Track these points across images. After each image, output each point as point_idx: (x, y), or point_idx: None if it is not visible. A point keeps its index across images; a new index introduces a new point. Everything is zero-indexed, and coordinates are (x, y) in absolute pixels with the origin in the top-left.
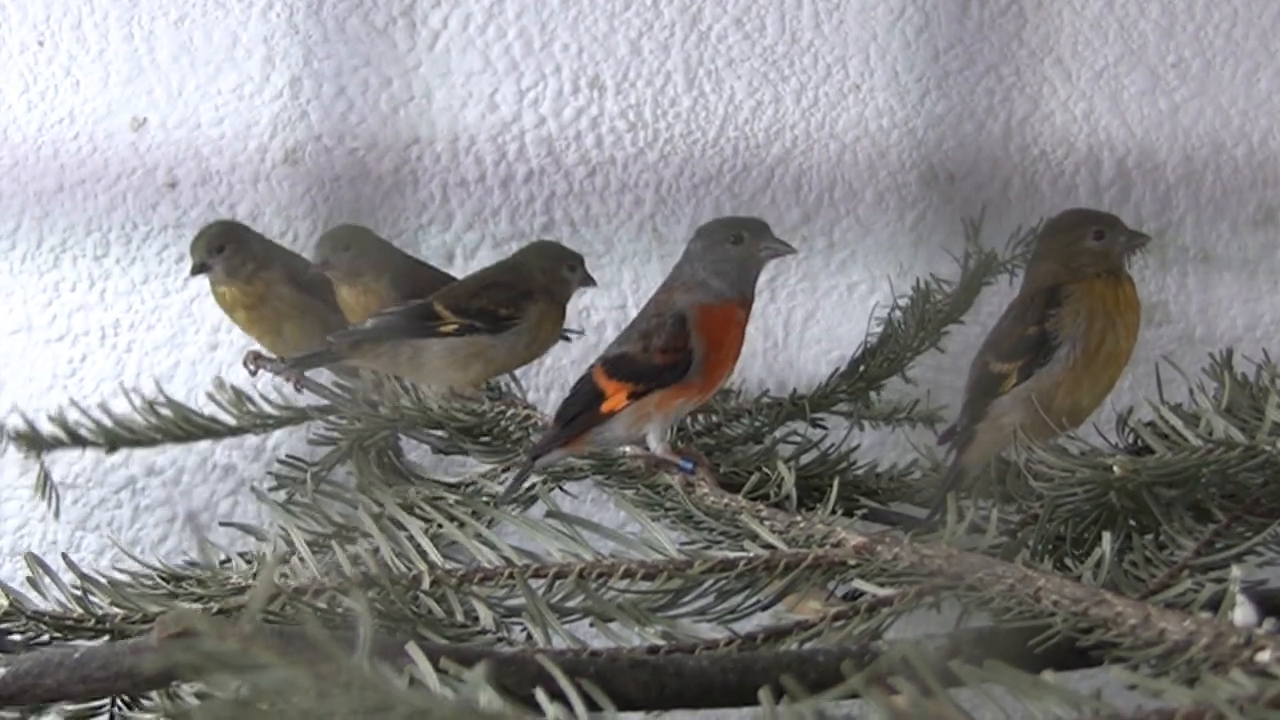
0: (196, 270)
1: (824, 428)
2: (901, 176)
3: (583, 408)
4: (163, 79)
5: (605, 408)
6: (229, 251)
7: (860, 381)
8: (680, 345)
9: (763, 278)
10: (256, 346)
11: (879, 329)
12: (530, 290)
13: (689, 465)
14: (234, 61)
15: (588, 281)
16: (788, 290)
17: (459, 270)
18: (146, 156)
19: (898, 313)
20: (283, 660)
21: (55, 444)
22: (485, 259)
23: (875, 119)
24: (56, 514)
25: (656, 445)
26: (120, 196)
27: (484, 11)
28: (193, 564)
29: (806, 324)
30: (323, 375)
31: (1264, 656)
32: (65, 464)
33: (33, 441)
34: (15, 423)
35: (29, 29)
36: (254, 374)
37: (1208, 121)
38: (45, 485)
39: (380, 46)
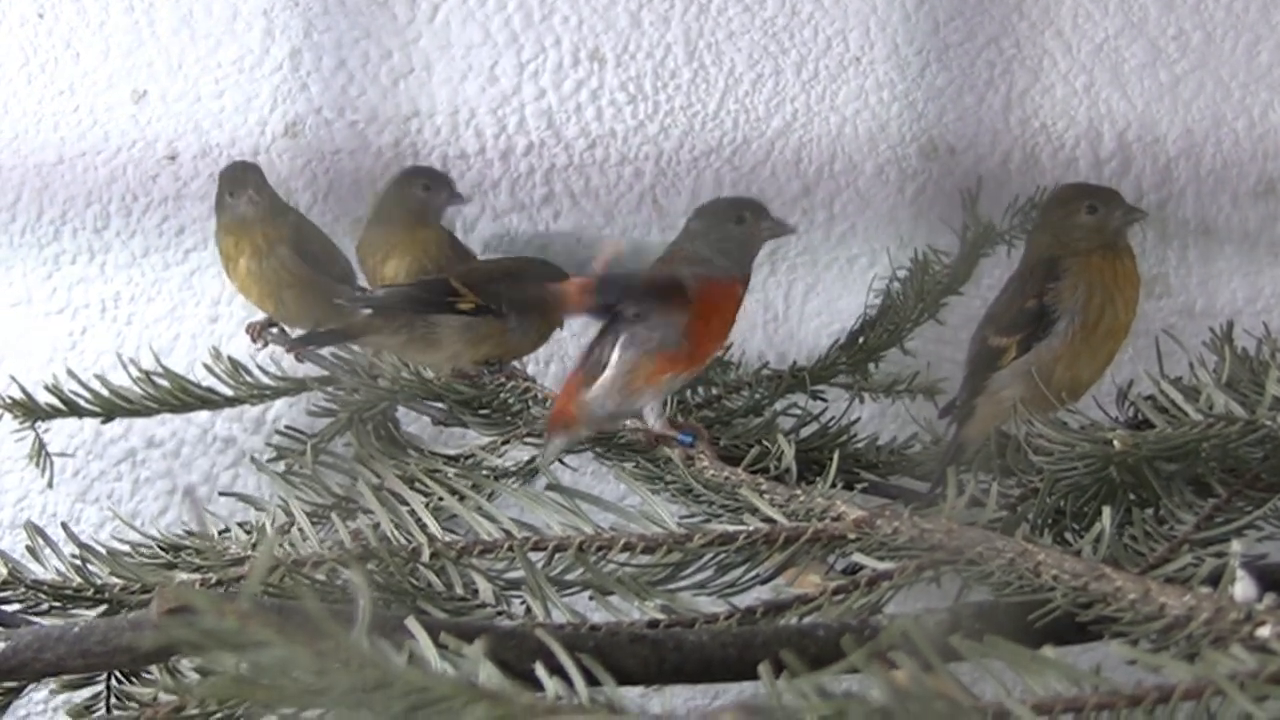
0: (254, 197)
1: (824, 400)
2: (901, 149)
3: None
4: (163, 51)
5: None
6: (268, 190)
7: (860, 353)
8: None
9: (762, 251)
10: (258, 317)
11: (878, 300)
12: (537, 281)
13: (688, 439)
14: (234, 34)
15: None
16: (788, 263)
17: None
18: (147, 129)
19: (896, 284)
20: (281, 637)
21: (52, 413)
22: (485, 231)
23: (875, 91)
24: (51, 483)
25: (654, 420)
26: (120, 169)
27: None
28: (191, 533)
29: (807, 297)
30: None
31: (1264, 632)
32: (65, 435)
33: (29, 410)
34: (11, 391)
35: (29, 1)
36: (258, 345)
37: (1208, 94)
38: (40, 454)
39: (380, 19)
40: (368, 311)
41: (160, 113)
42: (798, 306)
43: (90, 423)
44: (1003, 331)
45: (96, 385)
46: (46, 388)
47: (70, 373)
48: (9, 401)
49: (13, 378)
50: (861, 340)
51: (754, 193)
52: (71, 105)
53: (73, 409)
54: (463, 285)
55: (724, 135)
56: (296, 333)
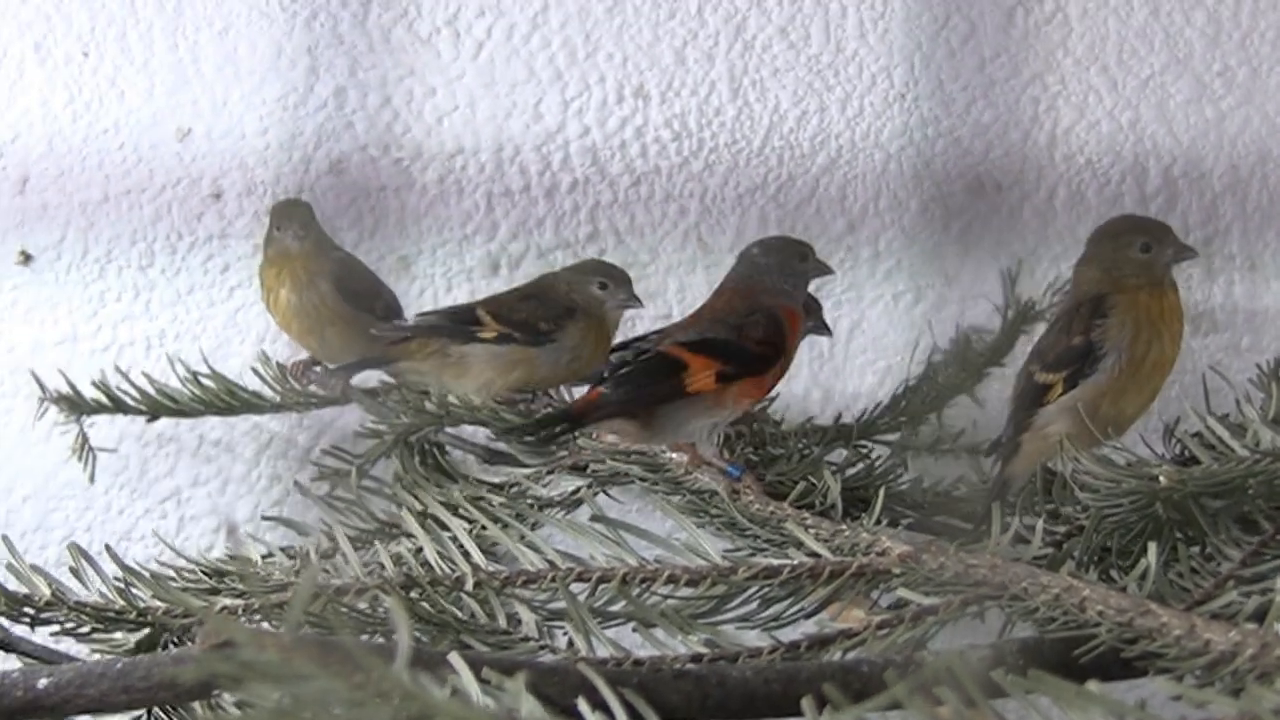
0: (300, 233)
1: (868, 444)
2: (947, 186)
3: (663, 376)
4: (207, 89)
5: (692, 384)
6: (310, 221)
7: (901, 416)
8: (776, 340)
9: (809, 287)
10: (302, 356)
11: (919, 368)
12: (573, 308)
13: (737, 471)
14: (278, 71)
15: (629, 303)
16: (833, 300)
17: (504, 282)
18: (191, 167)
19: (938, 356)
20: (323, 670)
21: (97, 408)
22: (530, 269)
23: (920, 128)
24: (92, 478)
25: (707, 449)
26: (165, 207)
27: (528, 21)
28: (234, 557)
29: (852, 334)
30: (370, 381)
31: None
32: (110, 473)
33: (74, 405)
34: (58, 385)
35: (74, 40)
36: (302, 385)
37: (1254, 129)
38: (83, 449)
39: (424, 56)
40: (401, 339)
41: (205, 150)
42: (843, 344)
43: (136, 459)
44: (1049, 368)
45: (143, 383)
46: (93, 383)
47: (118, 369)
48: (56, 395)
49: (60, 371)
50: (904, 404)
51: (799, 230)
52: (116, 143)
53: (119, 406)
54: (487, 314)
55: (769, 172)
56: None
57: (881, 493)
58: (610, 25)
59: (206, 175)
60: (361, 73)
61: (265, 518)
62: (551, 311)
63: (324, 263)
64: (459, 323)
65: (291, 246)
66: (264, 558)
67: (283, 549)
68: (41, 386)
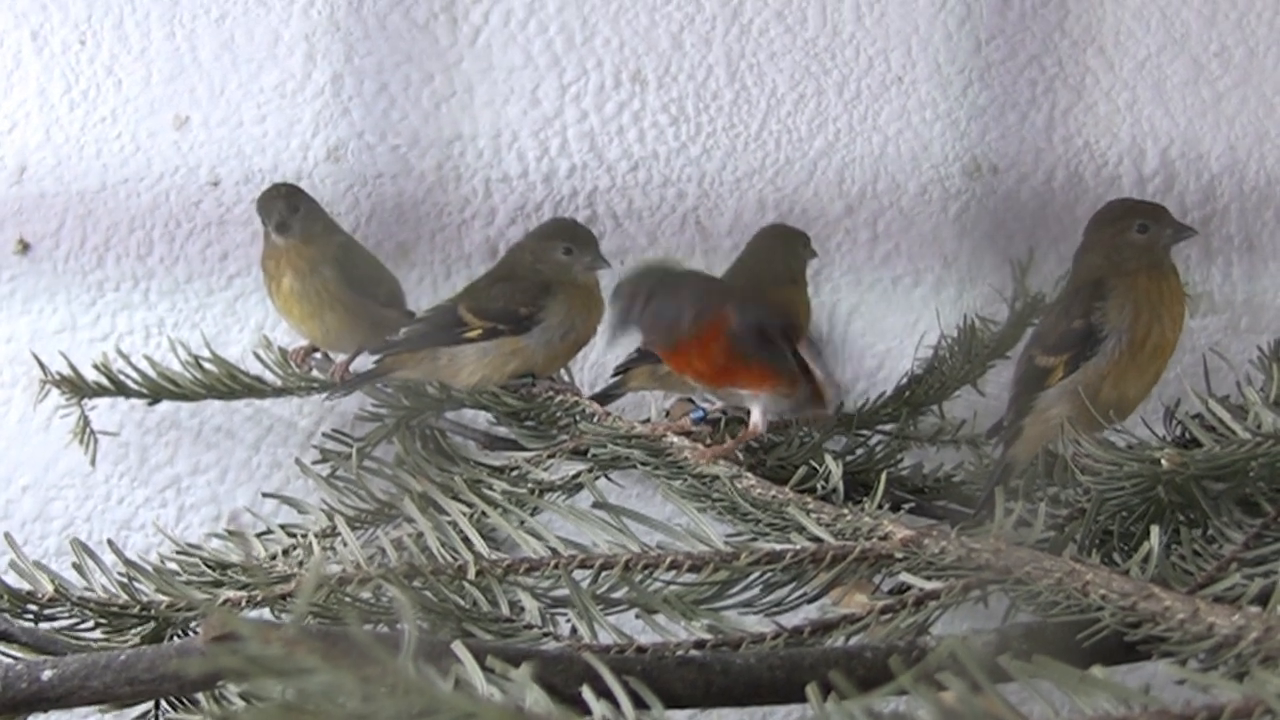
0: (280, 229)
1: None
2: (945, 168)
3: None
4: (205, 77)
5: None
6: (304, 212)
7: (904, 406)
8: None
9: (807, 271)
10: (302, 343)
11: (928, 354)
12: (547, 283)
13: (700, 415)
14: (276, 59)
15: (596, 264)
16: (831, 284)
17: None
18: (189, 155)
19: (944, 346)
20: (327, 663)
21: (99, 391)
22: None
23: (918, 111)
24: (93, 462)
25: (760, 419)
26: (163, 195)
27: (525, 6)
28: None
29: (851, 317)
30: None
31: None
32: (110, 461)
33: (76, 387)
34: (59, 367)
35: (71, 28)
36: (301, 371)
37: (1251, 110)
38: (84, 432)
39: (422, 43)
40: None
41: (203, 138)
42: (841, 327)
43: (136, 448)
44: (1050, 351)
45: (145, 366)
46: (95, 366)
47: (120, 352)
48: (57, 378)
49: (62, 353)
50: (907, 394)
51: (797, 214)
52: (114, 132)
53: (120, 389)
54: (470, 313)
55: (766, 156)
56: (339, 358)
57: (883, 477)
58: (607, 10)
59: (204, 163)
60: (358, 59)
61: (265, 494)
62: (527, 293)
63: (327, 248)
64: (443, 327)
65: (275, 240)
66: (262, 535)
67: (282, 526)
68: (43, 369)
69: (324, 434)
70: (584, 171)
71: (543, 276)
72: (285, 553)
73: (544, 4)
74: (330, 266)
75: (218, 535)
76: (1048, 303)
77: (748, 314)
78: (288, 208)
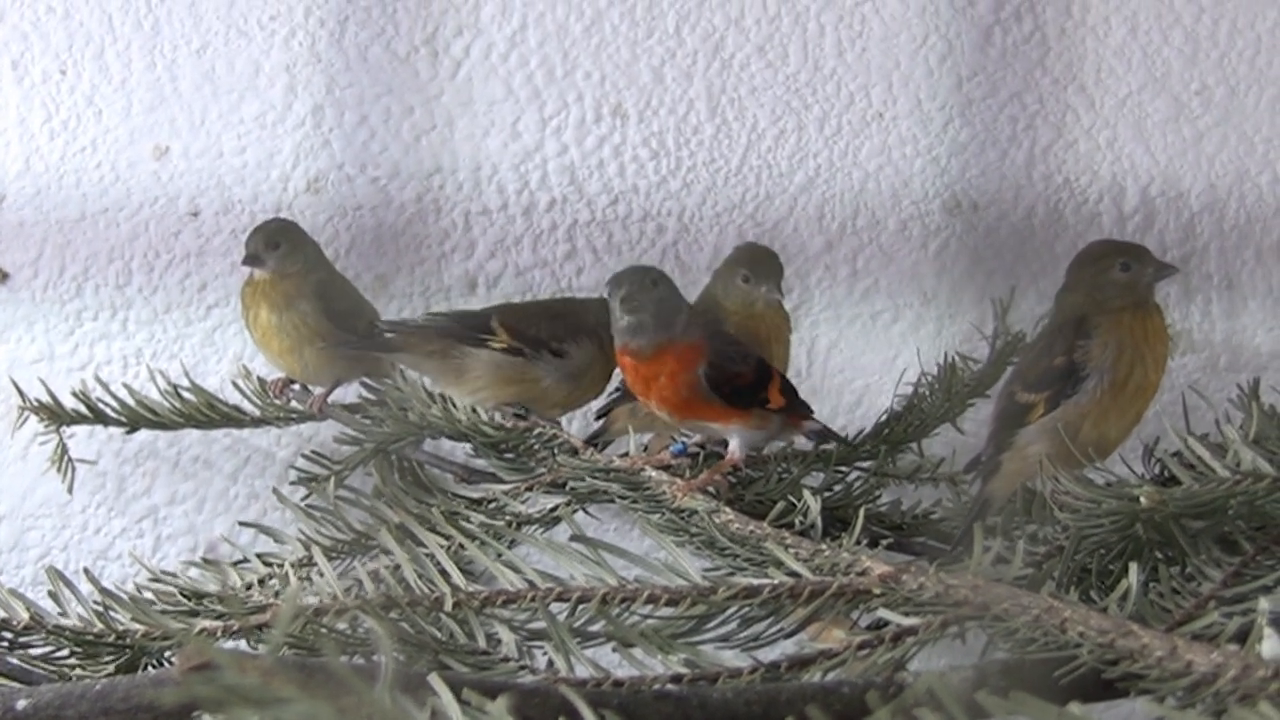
0: (248, 261)
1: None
2: (925, 205)
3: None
4: (185, 108)
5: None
6: (284, 250)
7: (883, 443)
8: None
9: (786, 306)
10: (279, 375)
11: (907, 391)
12: (585, 332)
13: (680, 448)
14: (256, 90)
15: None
16: (811, 319)
17: (481, 300)
18: (169, 185)
19: (924, 384)
20: (304, 693)
21: (77, 418)
22: (508, 287)
23: (898, 147)
24: (71, 489)
25: (739, 451)
26: (142, 225)
27: (506, 40)
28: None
29: (830, 353)
30: (348, 397)
31: None
32: (87, 491)
33: (55, 414)
34: (38, 394)
35: (51, 58)
36: (280, 403)
37: (1231, 148)
38: (62, 459)
39: (402, 75)
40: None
41: (182, 169)
42: (820, 362)
43: (113, 478)
44: (1031, 388)
45: (123, 394)
46: (74, 394)
47: (98, 379)
48: (36, 404)
49: (40, 380)
50: (887, 431)
51: (777, 249)
52: (94, 161)
53: (98, 416)
54: (501, 326)
55: (746, 191)
56: (317, 390)
57: (861, 513)
58: (588, 44)
59: (184, 193)
60: (339, 91)
61: (242, 523)
62: (564, 330)
63: (304, 284)
64: (471, 329)
65: (257, 272)
66: (238, 564)
67: (259, 555)
68: (21, 395)
69: (303, 455)
70: (564, 205)
71: (593, 333)
72: (261, 582)
73: (525, 37)
74: (308, 301)
75: (194, 564)
76: (1028, 341)
77: (711, 354)
78: (266, 242)
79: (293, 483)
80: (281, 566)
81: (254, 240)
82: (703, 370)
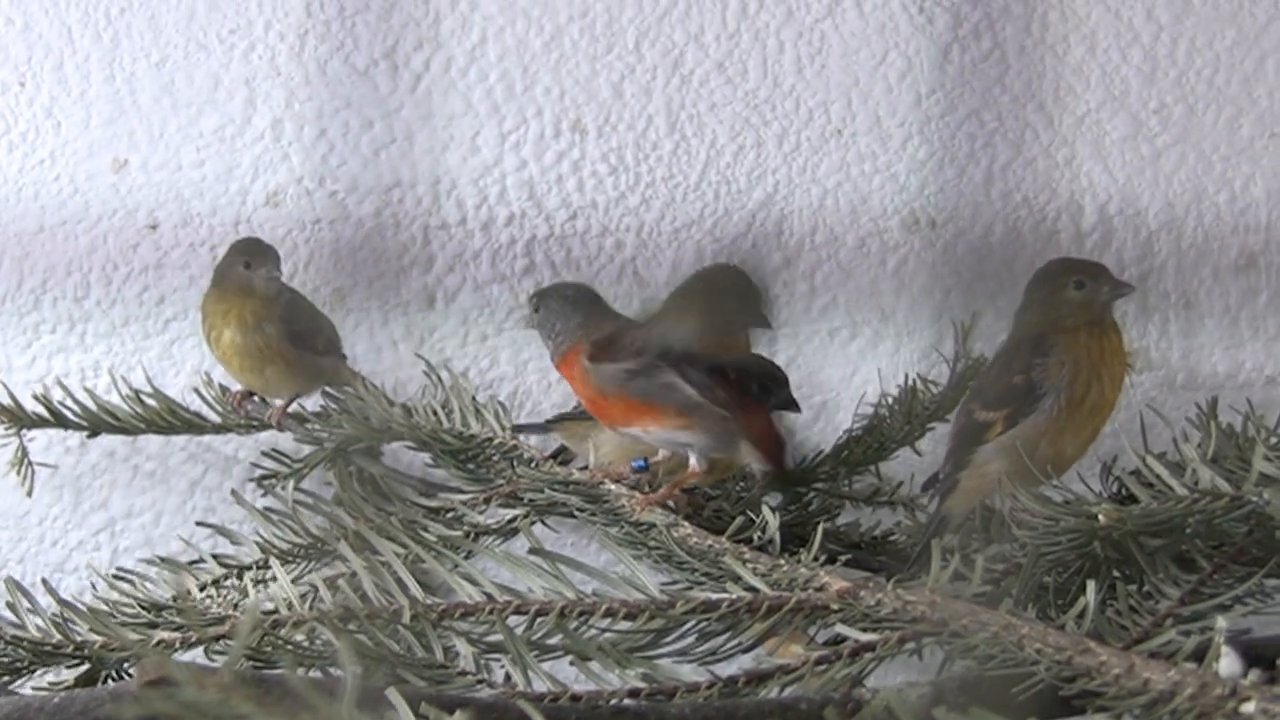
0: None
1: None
2: (883, 221)
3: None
4: (144, 120)
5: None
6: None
7: (842, 465)
8: None
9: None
10: (238, 388)
11: (867, 412)
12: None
13: (641, 464)
14: (215, 103)
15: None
16: (768, 335)
17: (439, 315)
18: (127, 198)
19: (884, 409)
20: (263, 709)
21: (38, 421)
22: (466, 302)
23: (857, 164)
24: (30, 492)
25: (697, 462)
26: (101, 238)
27: (465, 55)
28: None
29: (788, 368)
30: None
31: (1248, 708)
32: (44, 504)
33: (15, 417)
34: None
35: (10, 70)
36: (239, 415)
37: (1190, 167)
38: (22, 463)
39: (362, 89)
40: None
41: (141, 182)
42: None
43: (70, 491)
44: (989, 406)
45: (85, 398)
46: (35, 396)
47: (60, 383)
48: None
49: (1, 382)
50: (845, 454)
51: (735, 265)
52: (52, 174)
53: (59, 420)
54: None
55: (705, 207)
56: (276, 403)
57: (820, 529)
58: (547, 59)
59: (143, 206)
60: (298, 105)
61: (199, 524)
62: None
63: (274, 306)
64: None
65: (258, 286)
66: (194, 563)
67: (215, 556)
68: None
69: (262, 453)
70: (522, 220)
71: None
72: (216, 584)
73: (484, 52)
74: (273, 325)
75: (149, 562)
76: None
77: (589, 346)
78: (279, 258)
79: (250, 479)
80: (238, 570)
81: (272, 256)
82: (585, 358)
